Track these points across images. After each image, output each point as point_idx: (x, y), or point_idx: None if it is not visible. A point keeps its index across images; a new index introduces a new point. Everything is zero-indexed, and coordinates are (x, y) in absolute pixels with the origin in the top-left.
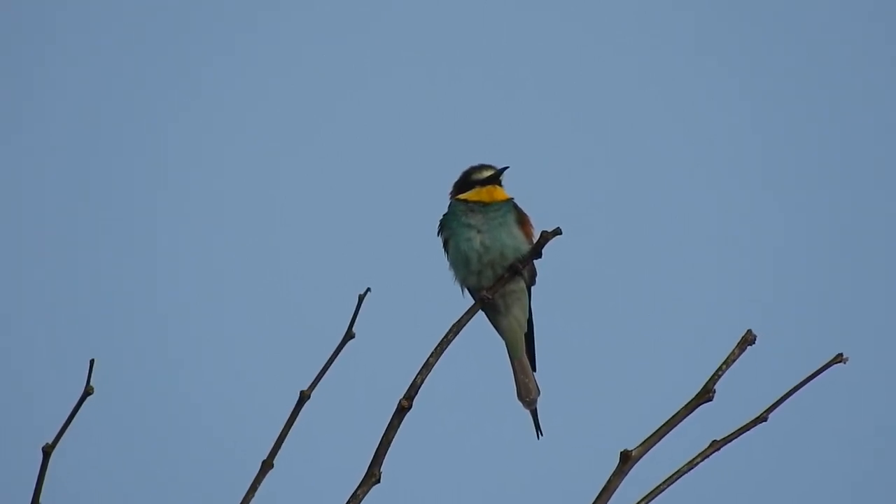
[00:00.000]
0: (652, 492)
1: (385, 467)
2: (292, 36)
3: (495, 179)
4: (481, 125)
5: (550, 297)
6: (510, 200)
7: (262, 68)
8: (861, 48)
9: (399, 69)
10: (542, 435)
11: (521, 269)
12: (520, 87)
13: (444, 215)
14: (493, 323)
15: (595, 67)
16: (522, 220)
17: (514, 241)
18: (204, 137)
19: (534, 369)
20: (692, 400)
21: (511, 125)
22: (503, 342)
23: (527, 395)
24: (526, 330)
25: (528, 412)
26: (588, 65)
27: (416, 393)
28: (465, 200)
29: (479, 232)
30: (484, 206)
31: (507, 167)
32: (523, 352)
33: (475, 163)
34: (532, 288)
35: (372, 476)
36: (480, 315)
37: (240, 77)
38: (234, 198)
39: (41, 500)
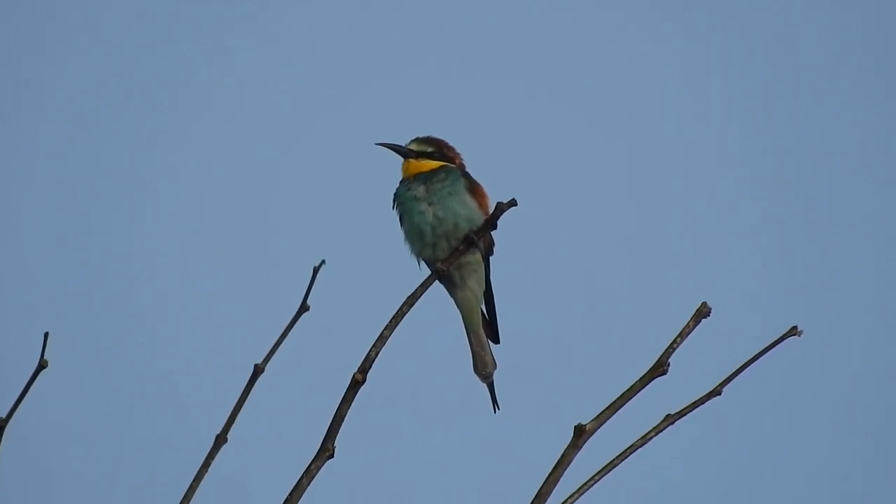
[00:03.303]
0: (606, 466)
1: (339, 441)
2: (270, 31)
3: (404, 156)
4: (450, 107)
5: (507, 270)
6: (456, 169)
7: (233, 55)
8: (850, 54)
9: (382, 60)
10: (498, 408)
11: (477, 240)
12: (501, 74)
13: (396, 190)
14: (450, 295)
15: (585, 60)
16: (475, 189)
17: (466, 211)
18: (165, 109)
19: (497, 341)
20: (646, 373)
21: (488, 107)
22: (460, 315)
23: (483, 369)
24: (483, 303)
25: (484, 385)
26: (578, 57)
27: (371, 366)
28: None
29: (430, 204)
30: (425, 176)
31: (409, 147)
32: (480, 325)
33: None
34: (491, 259)
35: (326, 451)
36: (439, 288)
37: (213, 65)
38: (190, 171)
39: None
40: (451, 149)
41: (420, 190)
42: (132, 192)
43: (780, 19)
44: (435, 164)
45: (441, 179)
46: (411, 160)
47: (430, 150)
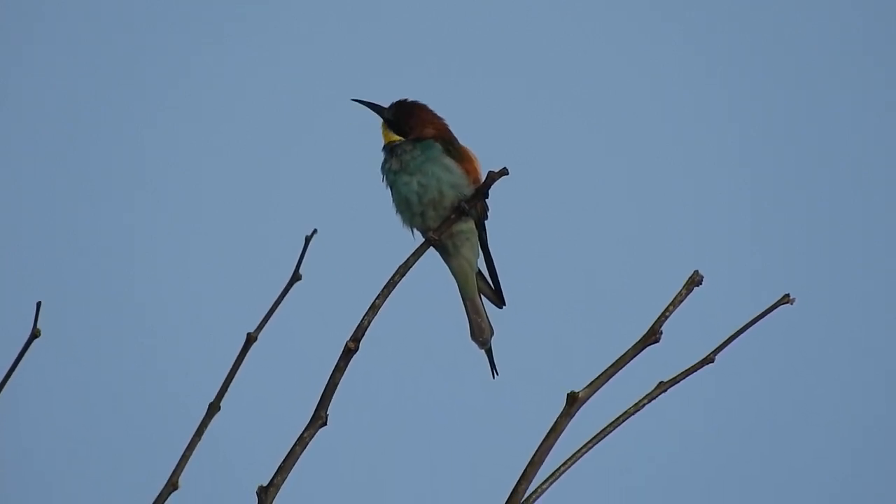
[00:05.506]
0: (599, 433)
1: (332, 409)
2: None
3: (382, 117)
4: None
5: (502, 237)
6: (428, 139)
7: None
8: (850, 54)
9: (382, 60)
10: (497, 374)
11: (468, 209)
12: (501, 74)
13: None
14: (445, 263)
15: (585, 60)
16: (457, 153)
17: (449, 176)
18: (154, 89)
19: (504, 303)
20: (639, 341)
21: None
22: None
23: (480, 335)
24: (477, 270)
25: (482, 352)
26: (578, 57)
27: (363, 335)
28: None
29: (410, 174)
30: (392, 149)
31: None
32: (475, 292)
33: None
34: (486, 224)
35: (319, 418)
36: (435, 256)
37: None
38: (183, 142)
39: None
40: (411, 119)
41: (394, 162)
42: (125, 169)
43: (780, 19)
44: (395, 137)
45: (410, 151)
46: (384, 126)
47: (392, 119)
